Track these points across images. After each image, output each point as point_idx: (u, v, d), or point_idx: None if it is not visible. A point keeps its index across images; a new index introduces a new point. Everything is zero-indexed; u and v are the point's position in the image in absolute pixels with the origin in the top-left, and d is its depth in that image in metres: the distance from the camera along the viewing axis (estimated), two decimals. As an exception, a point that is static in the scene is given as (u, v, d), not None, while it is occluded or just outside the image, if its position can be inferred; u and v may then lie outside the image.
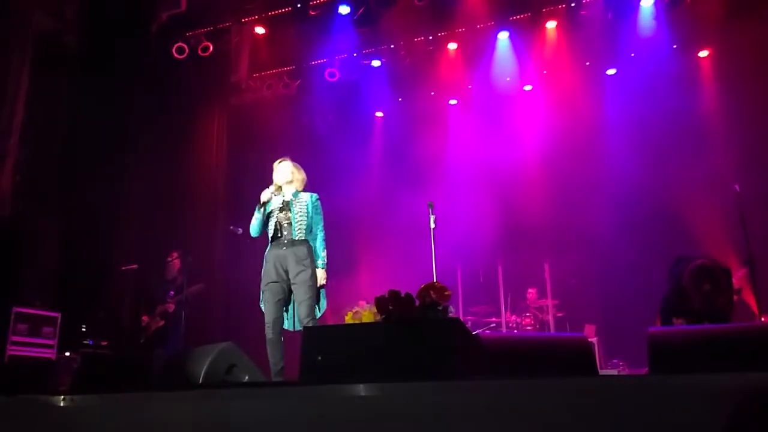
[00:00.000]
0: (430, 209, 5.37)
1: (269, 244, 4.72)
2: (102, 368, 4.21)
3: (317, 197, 4.82)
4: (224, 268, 9.21)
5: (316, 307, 4.59)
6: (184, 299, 6.96)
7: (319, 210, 4.78)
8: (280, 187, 4.75)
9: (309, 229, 4.70)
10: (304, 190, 4.88)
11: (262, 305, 4.67)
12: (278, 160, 4.89)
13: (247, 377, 3.60)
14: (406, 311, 2.96)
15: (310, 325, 4.36)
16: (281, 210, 4.71)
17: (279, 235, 4.68)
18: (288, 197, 4.76)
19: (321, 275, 4.65)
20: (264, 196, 4.72)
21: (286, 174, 4.79)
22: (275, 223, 4.69)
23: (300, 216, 4.67)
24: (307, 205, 4.73)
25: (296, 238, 4.62)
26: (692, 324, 4.58)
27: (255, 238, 4.83)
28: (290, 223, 4.65)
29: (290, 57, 9.47)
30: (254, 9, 9.05)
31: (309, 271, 4.55)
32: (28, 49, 7.47)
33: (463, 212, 8.49)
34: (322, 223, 4.76)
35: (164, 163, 9.10)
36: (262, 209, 4.72)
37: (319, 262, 4.66)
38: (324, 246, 4.71)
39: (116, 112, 8.33)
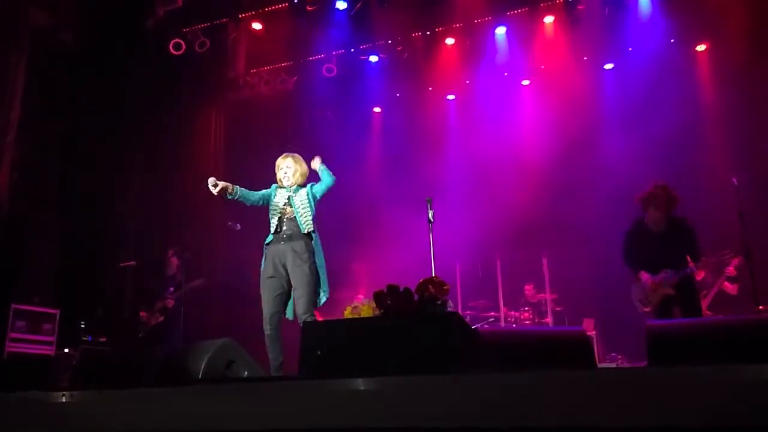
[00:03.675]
0: (429, 205, 5.37)
1: (269, 239, 4.72)
2: (101, 364, 4.22)
3: (311, 184, 4.87)
4: (223, 264, 9.21)
5: (318, 296, 4.61)
6: (184, 295, 6.96)
7: (315, 187, 4.81)
8: (216, 185, 4.67)
9: (314, 219, 4.70)
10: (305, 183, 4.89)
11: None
12: (282, 156, 4.90)
13: (246, 373, 3.61)
14: (405, 306, 2.96)
15: (309, 320, 4.36)
16: (284, 205, 4.72)
17: (279, 230, 4.68)
18: (290, 192, 4.78)
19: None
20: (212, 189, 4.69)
21: (290, 170, 4.82)
22: (278, 219, 4.69)
23: (303, 209, 4.68)
24: (307, 196, 4.74)
25: (305, 232, 4.63)
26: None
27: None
28: (294, 218, 4.66)
29: (287, 53, 9.44)
30: (251, 4, 9.03)
31: (306, 267, 4.55)
32: (24, 46, 7.45)
33: (462, 207, 8.49)
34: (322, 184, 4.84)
35: (162, 159, 9.09)
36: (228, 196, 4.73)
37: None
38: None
39: (113, 108, 8.32)
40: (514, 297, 8.78)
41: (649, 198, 5.32)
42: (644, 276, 5.34)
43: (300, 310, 4.51)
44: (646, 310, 5.41)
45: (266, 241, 4.74)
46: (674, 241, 5.28)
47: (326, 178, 4.83)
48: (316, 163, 4.91)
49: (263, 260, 4.71)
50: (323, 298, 4.70)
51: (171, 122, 9.24)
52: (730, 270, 6.17)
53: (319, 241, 4.72)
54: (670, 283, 5.22)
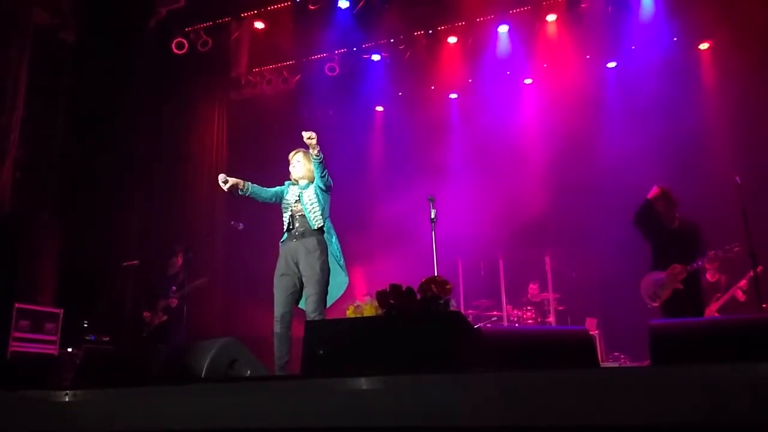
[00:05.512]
0: (431, 204, 5.36)
1: (283, 237, 4.73)
2: (104, 363, 4.22)
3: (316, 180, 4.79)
4: (225, 263, 9.22)
5: (327, 294, 4.59)
6: (187, 294, 6.96)
7: (321, 184, 4.66)
8: (227, 181, 4.69)
9: (324, 213, 4.67)
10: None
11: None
12: (294, 151, 4.89)
13: (249, 372, 3.60)
14: (408, 305, 2.96)
15: (317, 319, 4.36)
16: (295, 202, 4.71)
17: (291, 227, 4.68)
18: (301, 189, 4.76)
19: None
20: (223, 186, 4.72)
21: (299, 164, 4.81)
22: (289, 216, 4.69)
23: (311, 205, 4.66)
24: (315, 191, 4.71)
25: (315, 227, 4.61)
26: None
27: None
28: (304, 215, 4.65)
29: (290, 52, 9.44)
30: (253, 3, 9.03)
31: (318, 265, 4.53)
32: (26, 45, 7.46)
33: (464, 206, 8.49)
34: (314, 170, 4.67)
35: (164, 159, 9.10)
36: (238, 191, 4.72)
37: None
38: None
39: (115, 107, 8.33)
40: (516, 296, 8.78)
41: (655, 201, 5.57)
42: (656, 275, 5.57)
43: (309, 308, 4.50)
44: (655, 304, 5.55)
45: (281, 240, 4.74)
46: (683, 237, 5.52)
47: (313, 159, 4.61)
48: (310, 140, 4.47)
49: (278, 259, 4.70)
50: (345, 281, 4.66)
51: (173, 121, 9.25)
52: (743, 283, 6.57)
53: (332, 230, 4.70)
54: (678, 277, 5.40)
